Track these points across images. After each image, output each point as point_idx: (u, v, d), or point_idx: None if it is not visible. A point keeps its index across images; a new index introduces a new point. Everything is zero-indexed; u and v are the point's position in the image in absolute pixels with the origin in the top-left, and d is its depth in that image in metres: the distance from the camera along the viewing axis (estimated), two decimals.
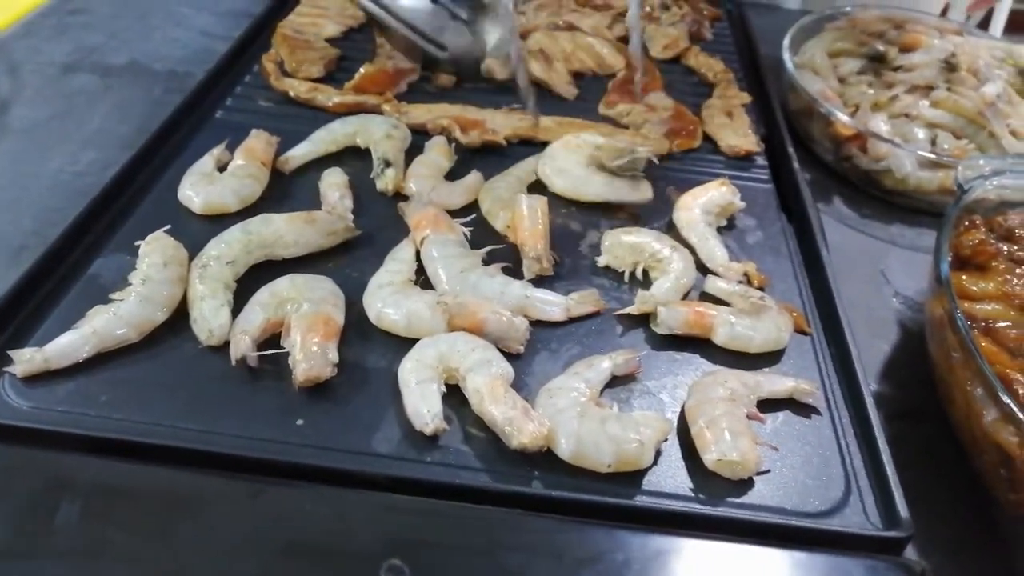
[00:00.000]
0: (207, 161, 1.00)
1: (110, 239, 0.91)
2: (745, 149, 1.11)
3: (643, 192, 1.02)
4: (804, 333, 0.86)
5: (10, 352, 0.75)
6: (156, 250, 0.85)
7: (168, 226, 0.89)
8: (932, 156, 1.09)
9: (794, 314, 0.87)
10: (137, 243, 0.87)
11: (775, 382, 0.78)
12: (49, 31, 1.40)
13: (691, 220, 0.98)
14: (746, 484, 0.70)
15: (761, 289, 0.90)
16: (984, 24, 1.94)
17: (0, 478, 0.65)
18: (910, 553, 0.67)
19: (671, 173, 1.10)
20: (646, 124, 1.16)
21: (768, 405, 0.78)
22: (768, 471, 0.71)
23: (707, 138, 1.16)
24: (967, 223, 0.89)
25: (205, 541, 0.63)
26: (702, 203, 1.00)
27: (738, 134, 1.14)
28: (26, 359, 0.74)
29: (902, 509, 0.66)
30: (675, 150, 1.13)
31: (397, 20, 1.15)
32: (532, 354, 0.81)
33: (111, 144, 1.12)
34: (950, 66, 1.23)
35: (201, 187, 0.96)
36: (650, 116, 1.17)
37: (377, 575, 0.60)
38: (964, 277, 0.84)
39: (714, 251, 0.94)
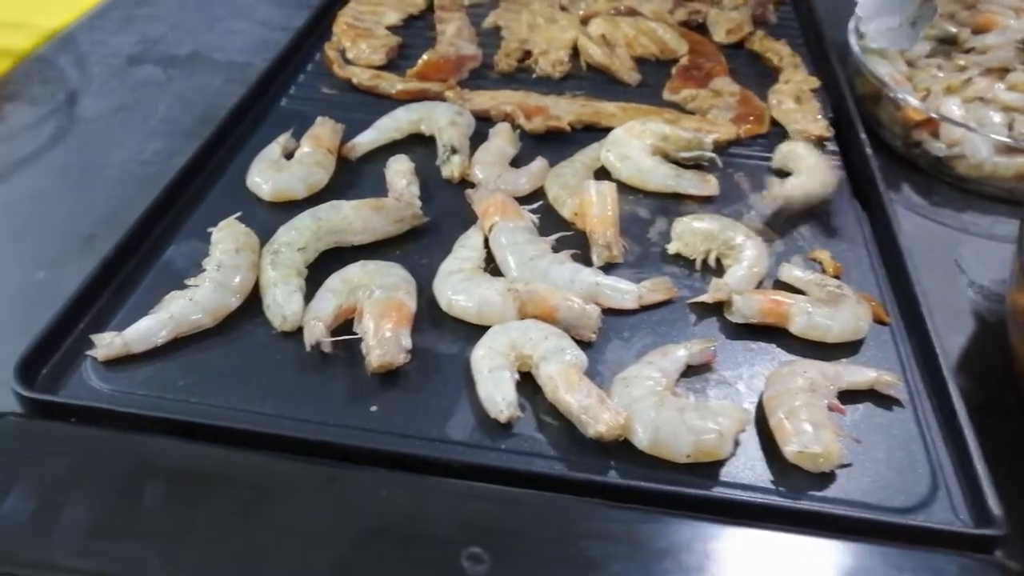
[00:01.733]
0: (274, 149, 1.01)
1: (182, 226, 0.92)
2: (816, 134, 1.09)
3: (710, 185, 1.00)
4: (883, 323, 0.84)
5: (91, 336, 0.76)
6: (228, 236, 0.86)
7: (239, 213, 0.90)
8: (1009, 141, 1.05)
9: (872, 303, 0.84)
10: (209, 230, 0.88)
11: (856, 373, 0.76)
12: (114, 23, 1.42)
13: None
14: (827, 477, 0.69)
15: (837, 278, 0.88)
16: None
17: (86, 458, 0.67)
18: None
19: (739, 160, 1.08)
20: (712, 109, 1.14)
21: (847, 397, 0.76)
22: (850, 464, 0.70)
23: (775, 123, 1.14)
24: None
25: (284, 525, 0.63)
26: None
27: (808, 119, 1.11)
28: (106, 343, 0.76)
29: (994, 506, 0.64)
30: (743, 136, 1.11)
31: None
32: (604, 342, 0.81)
33: (175, 134, 1.14)
34: None
35: (269, 174, 0.97)
36: (716, 101, 1.15)
37: (458, 562, 0.59)
38: None
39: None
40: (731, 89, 1.18)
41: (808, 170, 1.00)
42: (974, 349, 0.88)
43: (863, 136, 1.07)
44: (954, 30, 1.24)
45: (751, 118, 1.13)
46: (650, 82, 1.23)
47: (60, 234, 0.96)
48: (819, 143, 1.09)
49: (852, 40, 1.21)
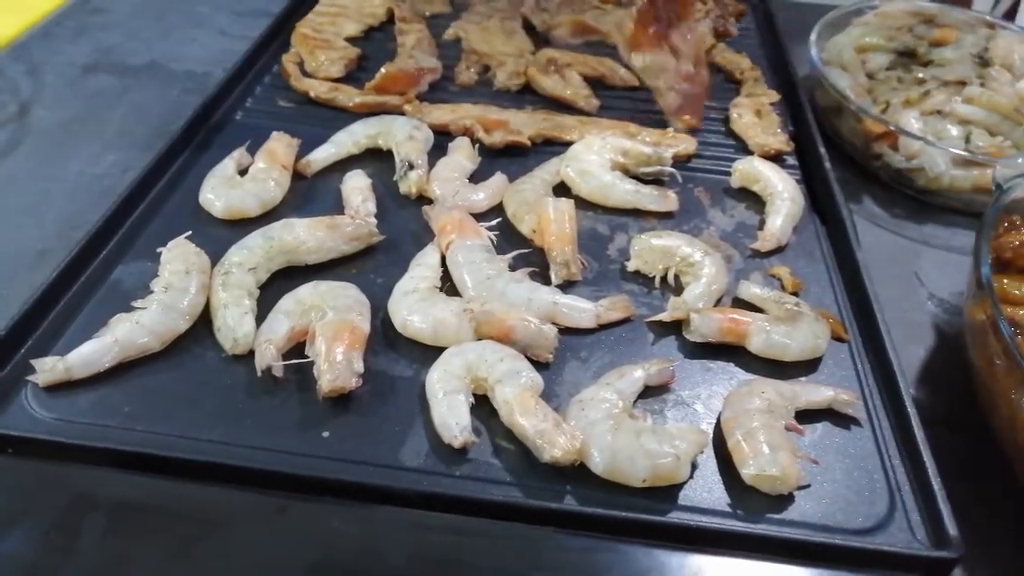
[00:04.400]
0: (228, 165, 0.99)
1: (132, 245, 0.90)
2: (775, 149, 1.09)
3: (670, 201, 1.00)
4: (841, 340, 0.84)
5: (32, 361, 0.74)
6: (178, 257, 0.83)
7: (189, 232, 0.88)
8: (966, 154, 1.06)
9: (830, 320, 0.84)
10: (159, 249, 0.86)
11: (813, 392, 0.76)
12: (69, 32, 1.39)
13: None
14: (786, 499, 0.68)
15: (795, 294, 0.88)
16: (1011, 14, 1.90)
17: (25, 493, 0.64)
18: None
19: (698, 175, 1.07)
20: (663, 79, 1.13)
21: (806, 416, 0.75)
22: (808, 485, 0.69)
23: (736, 137, 1.14)
24: (1007, 224, 0.86)
25: (230, 560, 0.61)
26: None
27: (767, 133, 1.12)
28: (48, 368, 0.73)
29: (951, 527, 0.64)
30: (681, 128, 1.11)
31: None
32: (561, 363, 0.80)
33: (131, 146, 1.11)
34: (983, 61, 1.21)
35: (222, 191, 0.95)
36: (667, 67, 1.14)
37: None
38: (1005, 281, 0.81)
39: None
40: (688, 51, 1.16)
41: (791, 201, 0.99)
42: (934, 362, 0.89)
43: (822, 151, 1.08)
44: (913, 44, 1.25)
45: (689, 111, 1.13)
46: (610, 104, 1.21)
47: (10, 248, 0.93)
48: (777, 157, 1.09)
49: (813, 52, 1.21)
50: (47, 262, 0.89)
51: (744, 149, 1.12)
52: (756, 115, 1.15)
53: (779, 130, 1.13)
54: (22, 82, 1.25)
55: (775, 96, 1.20)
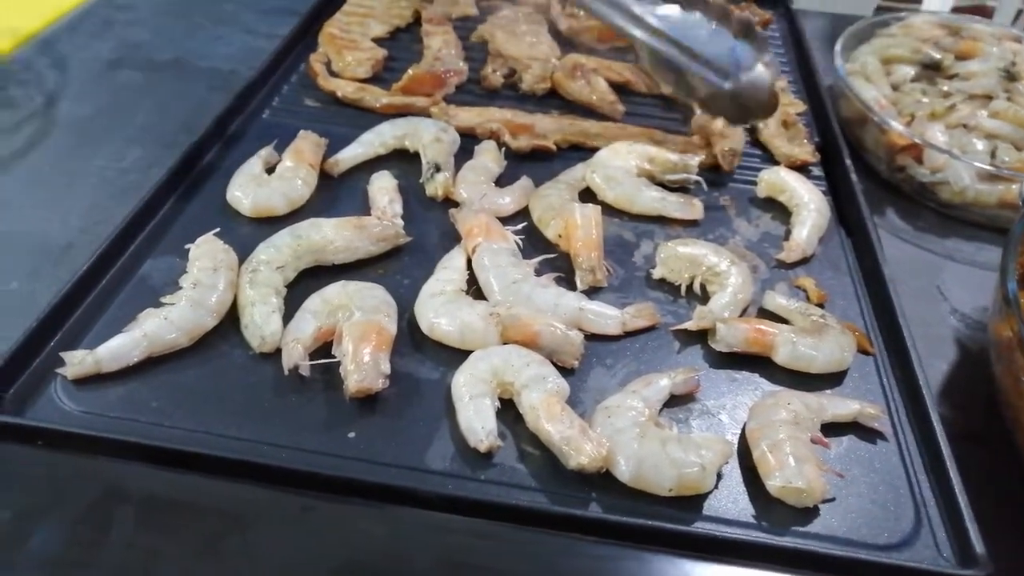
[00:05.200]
0: (255, 163, 0.99)
1: (160, 240, 0.90)
2: (801, 160, 1.09)
3: (695, 209, 1.00)
4: (867, 353, 0.84)
5: (62, 354, 0.74)
6: (206, 253, 0.84)
7: (217, 229, 0.88)
8: (991, 168, 1.06)
9: (856, 333, 0.84)
10: (187, 246, 0.86)
11: (839, 405, 0.76)
12: (95, 27, 1.40)
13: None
14: (810, 512, 0.68)
15: (821, 306, 0.88)
16: None
17: (55, 484, 0.65)
18: None
19: (724, 184, 1.07)
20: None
21: (831, 429, 0.75)
22: (833, 499, 0.69)
23: (763, 147, 1.14)
24: None
25: (255, 557, 0.62)
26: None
27: (794, 143, 1.11)
28: (77, 361, 0.74)
29: (978, 545, 0.64)
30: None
31: (666, 41, 0.97)
32: (587, 369, 0.80)
33: (156, 141, 1.12)
34: (1010, 75, 1.20)
35: (250, 189, 0.95)
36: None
37: None
38: None
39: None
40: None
41: (817, 212, 0.99)
42: (957, 377, 0.88)
43: (848, 162, 1.07)
44: (938, 56, 1.25)
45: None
46: (635, 111, 1.21)
47: (35, 243, 0.94)
48: (803, 168, 1.08)
49: (838, 63, 1.21)
50: (72, 257, 0.90)
51: (771, 159, 1.11)
52: (783, 125, 1.14)
53: (806, 140, 1.13)
54: (48, 75, 1.26)
55: (801, 106, 1.20)
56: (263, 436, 0.71)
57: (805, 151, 1.10)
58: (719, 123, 1.10)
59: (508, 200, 0.98)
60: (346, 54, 1.22)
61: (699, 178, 1.04)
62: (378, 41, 1.30)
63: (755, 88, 1.00)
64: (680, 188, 1.04)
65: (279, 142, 1.03)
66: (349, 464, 0.69)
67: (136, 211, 0.90)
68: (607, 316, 0.83)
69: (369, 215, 0.93)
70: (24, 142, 1.11)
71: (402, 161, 1.06)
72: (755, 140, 1.15)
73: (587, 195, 1.02)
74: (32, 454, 0.67)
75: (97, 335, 0.78)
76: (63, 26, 1.39)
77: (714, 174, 1.08)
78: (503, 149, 1.07)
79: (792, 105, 1.19)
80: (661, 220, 1.00)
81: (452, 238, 0.93)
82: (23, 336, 0.75)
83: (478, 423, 0.70)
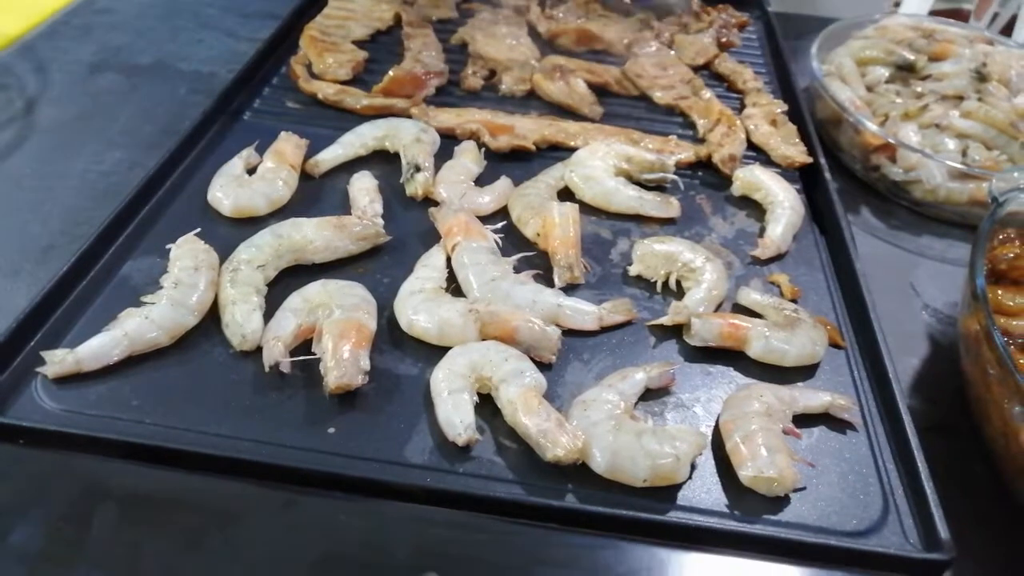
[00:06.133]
0: (236, 163, 1.00)
1: (141, 241, 0.91)
2: (800, 161, 1.10)
3: (672, 207, 1.01)
4: (838, 347, 0.85)
5: (42, 352, 0.75)
6: (187, 253, 0.84)
7: (198, 229, 0.89)
8: (963, 167, 1.08)
9: (828, 327, 0.85)
10: (168, 246, 0.87)
11: (811, 397, 0.77)
12: (75, 31, 1.40)
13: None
14: (782, 501, 0.70)
15: (794, 301, 0.89)
16: (1007, 31, 1.93)
17: (35, 482, 0.65)
18: None
19: (700, 182, 1.09)
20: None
21: (803, 420, 0.77)
22: (804, 488, 0.71)
23: (755, 147, 1.15)
24: (1002, 237, 0.88)
25: (238, 551, 0.62)
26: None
27: (787, 144, 1.13)
28: (58, 360, 0.74)
29: (942, 531, 0.65)
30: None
31: None
32: (564, 364, 0.81)
33: (136, 144, 1.12)
34: (981, 76, 1.22)
35: (231, 190, 0.96)
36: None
37: None
38: (1000, 292, 0.83)
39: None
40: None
41: (791, 209, 1.01)
42: (927, 371, 0.90)
43: (823, 161, 1.09)
44: (912, 57, 1.27)
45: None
46: (614, 111, 1.23)
47: (15, 244, 0.94)
48: (801, 169, 1.10)
49: (814, 64, 1.23)
50: (52, 258, 0.90)
51: (768, 161, 1.13)
52: (772, 124, 1.16)
53: (797, 140, 1.14)
54: (29, 80, 1.26)
55: (783, 105, 1.21)
56: (244, 432, 0.72)
57: (801, 151, 1.12)
58: (718, 131, 1.12)
59: (488, 199, 0.99)
60: (327, 56, 1.22)
61: (676, 177, 1.05)
62: (359, 44, 1.31)
63: None
64: (657, 187, 1.06)
65: (260, 143, 1.04)
66: (330, 459, 0.70)
67: (117, 211, 0.90)
68: (584, 312, 0.84)
69: (349, 215, 0.94)
70: (4, 145, 1.11)
71: (383, 162, 1.07)
72: (750, 142, 1.16)
73: (566, 194, 1.03)
74: (13, 452, 0.68)
75: (78, 334, 0.79)
76: (44, 30, 1.39)
77: (689, 173, 1.10)
78: (483, 149, 1.08)
79: (774, 104, 1.21)
80: (638, 218, 1.01)
81: (432, 237, 0.94)
82: (3, 335, 0.75)
83: (456, 417, 0.71)
